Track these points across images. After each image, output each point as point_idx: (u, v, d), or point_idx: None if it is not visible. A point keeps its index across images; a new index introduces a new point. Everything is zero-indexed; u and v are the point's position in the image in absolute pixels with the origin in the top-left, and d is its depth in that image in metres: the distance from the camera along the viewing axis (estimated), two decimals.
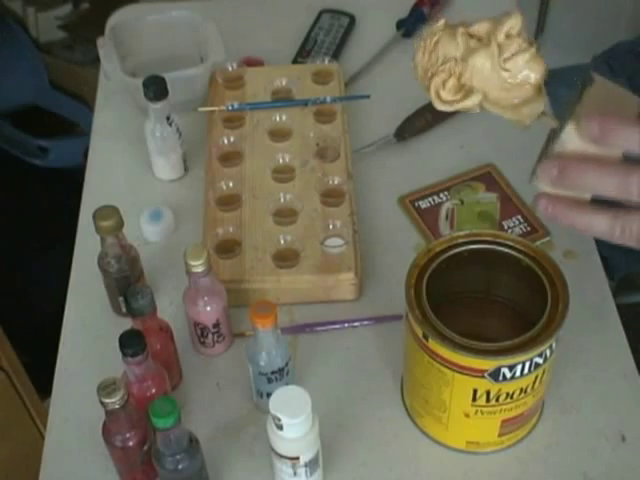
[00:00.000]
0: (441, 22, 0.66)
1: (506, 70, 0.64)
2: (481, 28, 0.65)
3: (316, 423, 0.72)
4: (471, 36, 0.65)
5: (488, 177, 1.04)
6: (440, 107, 0.67)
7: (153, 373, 0.78)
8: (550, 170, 0.64)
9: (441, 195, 1.03)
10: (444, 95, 0.66)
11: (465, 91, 0.66)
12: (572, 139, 0.64)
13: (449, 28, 0.66)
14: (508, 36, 0.64)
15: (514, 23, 0.64)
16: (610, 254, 1.09)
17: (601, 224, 0.63)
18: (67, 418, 0.86)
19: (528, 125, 0.67)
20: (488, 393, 0.74)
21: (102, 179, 1.09)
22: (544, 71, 0.65)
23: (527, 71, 0.64)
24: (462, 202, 1.01)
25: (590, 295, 0.91)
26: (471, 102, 0.66)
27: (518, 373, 0.72)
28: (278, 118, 1.07)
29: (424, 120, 1.10)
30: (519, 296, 0.81)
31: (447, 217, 1.00)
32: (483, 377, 0.72)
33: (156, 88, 0.98)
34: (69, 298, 0.96)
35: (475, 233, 0.79)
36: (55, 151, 1.81)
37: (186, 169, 1.07)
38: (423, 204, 1.02)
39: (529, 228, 0.98)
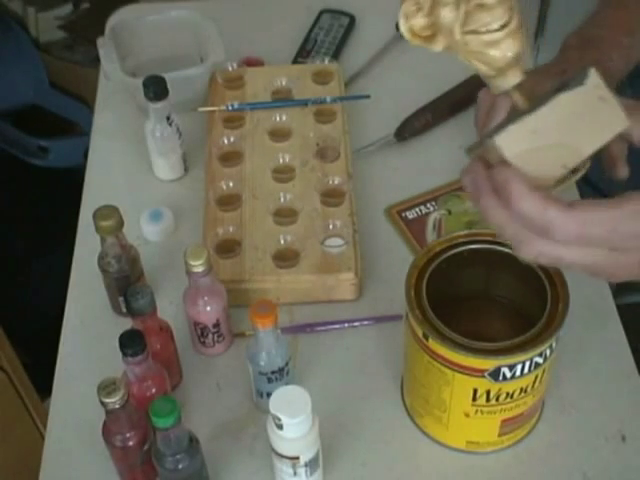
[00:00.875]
0: None
1: (465, 43, 0.59)
2: None
3: (316, 423, 0.72)
4: None
5: None
6: (406, 35, 0.61)
7: (153, 373, 0.78)
8: (467, 175, 0.59)
9: (428, 205, 1.02)
10: (414, 24, 0.60)
11: (433, 32, 0.60)
12: (508, 145, 0.57)
13: None
14: (481, 5, 0.57)
15: None
16: None
17: (504, 232, 0.59)
18: (67, 418, 0.86)
19: (496, 93, 0.61)
20: (488, 393, 0.74)
21: (102, 179, 1.09)
22: (517, 50, 0.59)
23: (491, 50, 0.58)
24: (450, 212, 1.01)
25: (590, 295, 0.91)
26: (433, 47, 0.60)
27: (518, 373, 0.72)
28: (278, 118, 1.07)
29: (424, 120, 1.10)
30: (519, 296, 0.81)
31: (434, 227, 0.99)
32: (483, 377, 0.72)
33: (156, 88, 0.98)
34: (69, 298, 0.96)
35: (475, 233, 0.79)
36: (55, 151, 1.81)
37: (186, 169, 1.07)
38: (410, 215, 1.01)
39: None
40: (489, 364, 0.71)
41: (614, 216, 0.55)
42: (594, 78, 0.57)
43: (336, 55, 1.21)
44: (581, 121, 0.57)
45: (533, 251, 0.58)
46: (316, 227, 0.95)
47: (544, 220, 0.55)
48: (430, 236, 0.99)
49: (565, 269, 0.60)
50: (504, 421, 0.77)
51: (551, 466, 0.81)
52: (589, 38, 0.89)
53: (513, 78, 0.61)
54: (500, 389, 0.73)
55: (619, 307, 0.92)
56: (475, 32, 0.58)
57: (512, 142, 0.57)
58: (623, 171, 0.76)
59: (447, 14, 0.58)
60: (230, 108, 1.08)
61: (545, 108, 0.57)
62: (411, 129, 1.09)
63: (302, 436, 0.71)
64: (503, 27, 0.58)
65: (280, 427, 0.70)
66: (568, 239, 0.56)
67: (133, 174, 1.09)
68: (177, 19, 1.17)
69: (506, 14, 0.57)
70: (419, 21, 0.60)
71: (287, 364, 0.81)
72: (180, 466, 0.72)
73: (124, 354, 0.74)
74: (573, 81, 0.57)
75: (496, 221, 0.58)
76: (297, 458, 0.73)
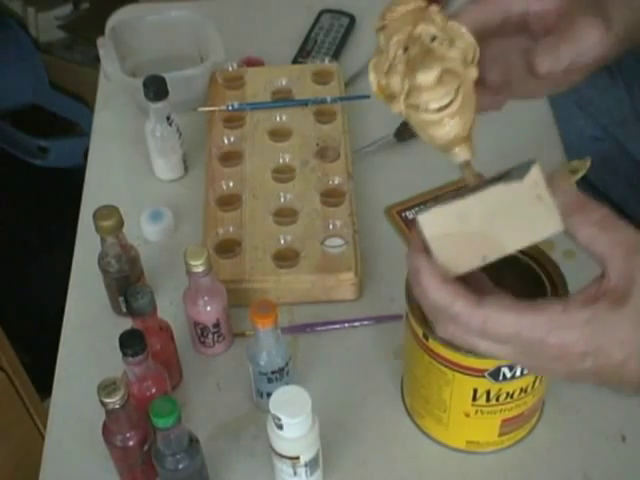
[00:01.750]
0: (409, 6, 0.57)
1: (408, 115, 0.58)
2: (424, 41, 0.56)
3: (316, 423, 0.72)
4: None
5: None
6: (373, 88, 0.60)
7: (153, 373, 0.78)
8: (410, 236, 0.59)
9: (428, 205, 1.01)
10: (380, 79, 0.59)
11: (391, 93, 0.60)
12: (430, 225, 0.56)
13: (411, 14, 0.56)
14: (419, 88, 0.56)
15: (423, 79, 0.55)
16: None
17: (423, 307, 0.59)
18: (67, 418, 0.86)
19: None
20: (488, 393, 0.74)
21: (102, 179, 1.09)
22: (457, 132, 0.57)
23: (429, 128, 0.57)
24: None
25: None
26: (391, 108, 0.59)
27: (518, 373, 0.72)
28: (278, 118, 1.07)
29: None
30: (519, 296, 0.81)
31: None
32: (483, 377, 0.72)
33: (156, 88, 0.98)
34: (69, 298, 0.96)
35: None
36: (55, 151, 1.81)
37: (186, 169, 1.07)
38: (410, 215, 1.01)
39: None
40: (489, 364, 0.71)
41: (517, 322, 0.54)
42: (535, 175, 0.54)
43: (336, 55, 1.21)
44: (511, 217, 0.54)
45: (447, 332, 0.58)
46: (316, 227, 0.95)
47: (451, 311, 0.55)
48: None
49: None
50: (504, 421, 0.77)
51: (551, 466, 0.81)
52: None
53: (460, 155, 0.59)
54: (500, 389, 0.73)
55: None
56: (415, 108, 0.57)
57: (435, 223, 0.56)
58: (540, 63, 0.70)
59: (395, 83, 0.58)
60: (230, 108, 1.08)
61: (476, 196, 0.54)
62: (411, 129, 1.09)
63: (302, 436, 0.71)
64: (441, 109, 0.56)
65: (280, 427, 0.70)
66: (473, 333, 0.56)
67: (133, 174, 1.09)
68: (177, 19, 1.17)
69: (447, 96, 0.56)
70: (383, 79, 0.60)
71: (287, 364, 0.81)
72: (180, 466, 0.72)
73: (124, 354, 0.74)
74: (513, 173, 0.54)
75: (416, 296, 0.59)
76: (297, 458, 0.73)
